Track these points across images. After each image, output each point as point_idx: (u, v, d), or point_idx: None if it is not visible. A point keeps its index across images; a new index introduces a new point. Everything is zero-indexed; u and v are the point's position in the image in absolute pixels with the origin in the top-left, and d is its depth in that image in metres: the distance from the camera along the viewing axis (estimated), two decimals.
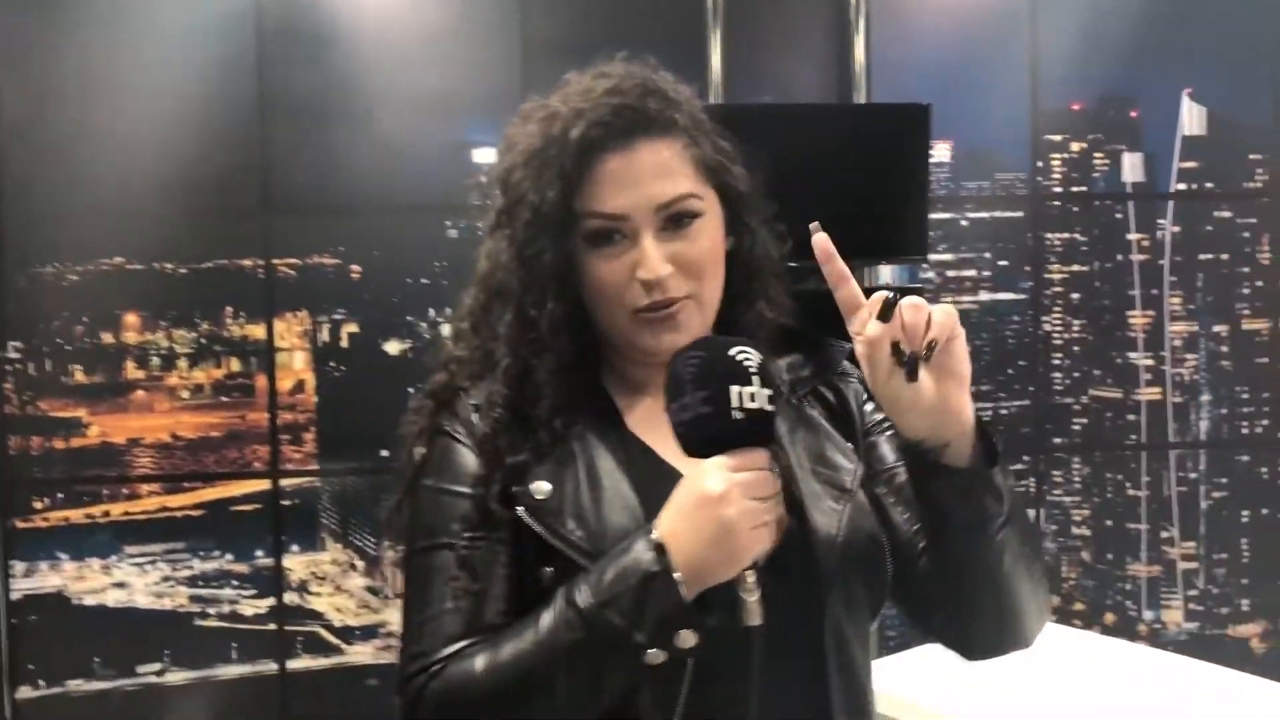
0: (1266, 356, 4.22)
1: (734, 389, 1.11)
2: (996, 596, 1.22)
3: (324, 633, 3.86)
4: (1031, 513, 4.12)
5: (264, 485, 3.82)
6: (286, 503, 3.83)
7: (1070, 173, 4.14)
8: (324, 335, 3.84)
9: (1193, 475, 4.21)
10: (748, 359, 1.13)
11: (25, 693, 3.72)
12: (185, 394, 3.81)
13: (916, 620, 1.34)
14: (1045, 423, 4.16)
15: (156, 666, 3.79)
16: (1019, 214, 4.13)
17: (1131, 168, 4.16)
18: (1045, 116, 4.10)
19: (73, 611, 3.76)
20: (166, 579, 3.80)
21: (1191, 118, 4.14)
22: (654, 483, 1.21)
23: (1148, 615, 4.21)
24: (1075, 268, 4.15)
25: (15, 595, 3.73)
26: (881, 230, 2.86)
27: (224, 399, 3.82)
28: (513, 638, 1.15)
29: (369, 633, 3.88)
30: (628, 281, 1.25)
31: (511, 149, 1.31)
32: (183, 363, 3.80)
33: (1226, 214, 4.19)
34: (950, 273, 4.11)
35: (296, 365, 3.84)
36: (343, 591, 3.88)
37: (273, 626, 3.83)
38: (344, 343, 3.84)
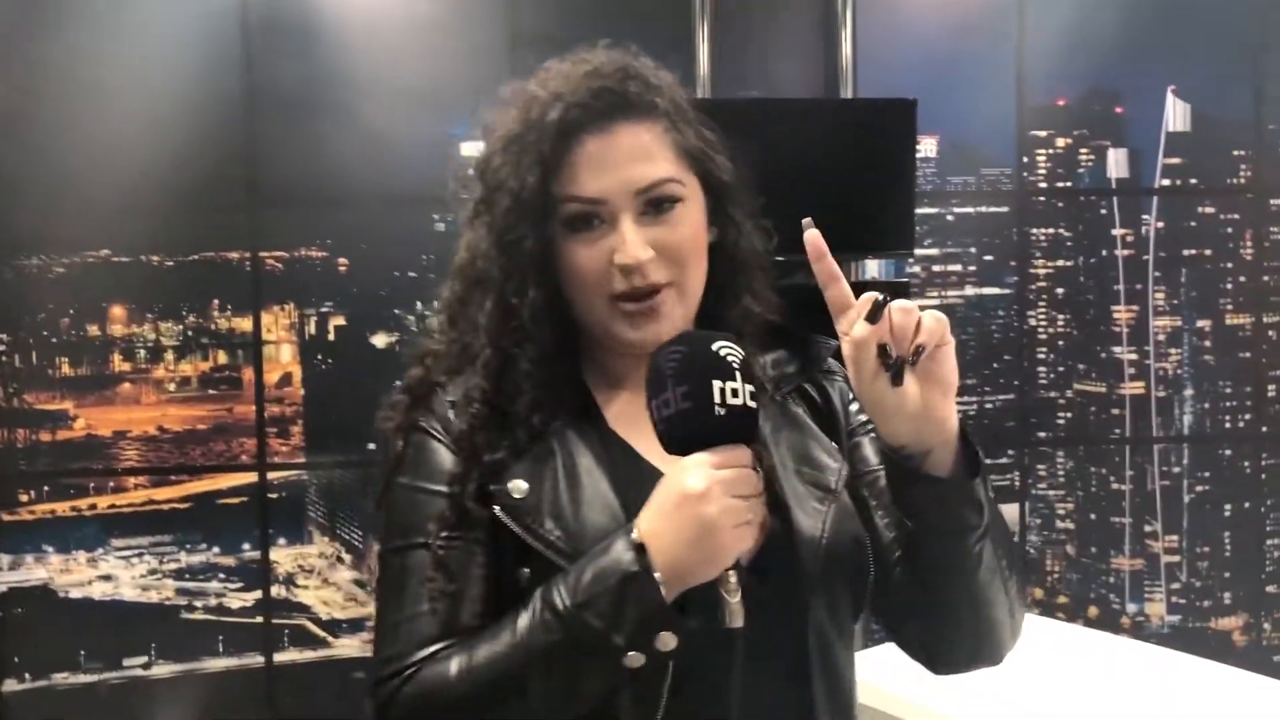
0: (1249, 351, 4.25)
1: (716, 384, 1.08)
2: (969, 610, 1.19)
3: (311, 626, 3.86)
4: (1015, 506, 4.15)
5: (251, 478, 3.82)
6: (273, 496, 3.83)
7: (1055, 168, 4.16)
8: (311, 328, 3.84)
9: (1176, 469, 4.24)
10: (731, 354, 1.10)
11: (11, 685, 3.72)
12: (172, 387, 3.81)
13: (888, 629, 1.32)
14: (1030, 417, 4.18)
15: (143, 659, 3.79)
16: (1004, 209, 4.15)
17: (1116, 163, 4.18)
18: (1031, 112, 4.11)
19: (59, 604, 3.76)
20: (153, 572, 3.80)
21: (1176, 114, 4.16)
22: (634, 481, 1.18)
23: (1131, 608, 4.24)
24: (1060, 263, 4.17)
25: (1, 588, 3.73)
26: (867, 225, 2.87)
27: (211, 392, 3.82)
28: (488, 640, 1.12)
29: (356, 626, 3.88)
30: (606, 268, 1.21)
31: (489, 136, 1.29)
32: (169, 355, 3.80)
33: (1210, 210, 4.22)
34: (936, 267, 4.13)
35: (283, 358, 3.84)
36: (330, 584, 3.88)
37: (259, 619, 3.83)
38: (331, 336, 3.85)
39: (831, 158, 2.80)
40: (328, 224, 3.80)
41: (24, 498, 3.75)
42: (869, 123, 2.99)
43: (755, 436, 1.13)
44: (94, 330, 3.76)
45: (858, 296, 1.10)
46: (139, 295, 3.77)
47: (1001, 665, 1.26)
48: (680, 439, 1.10)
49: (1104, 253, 4.17)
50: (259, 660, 3.83)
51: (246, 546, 3.83)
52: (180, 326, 3.80)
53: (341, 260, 3.82)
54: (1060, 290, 4.17)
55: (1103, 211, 4.18)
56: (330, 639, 3.87)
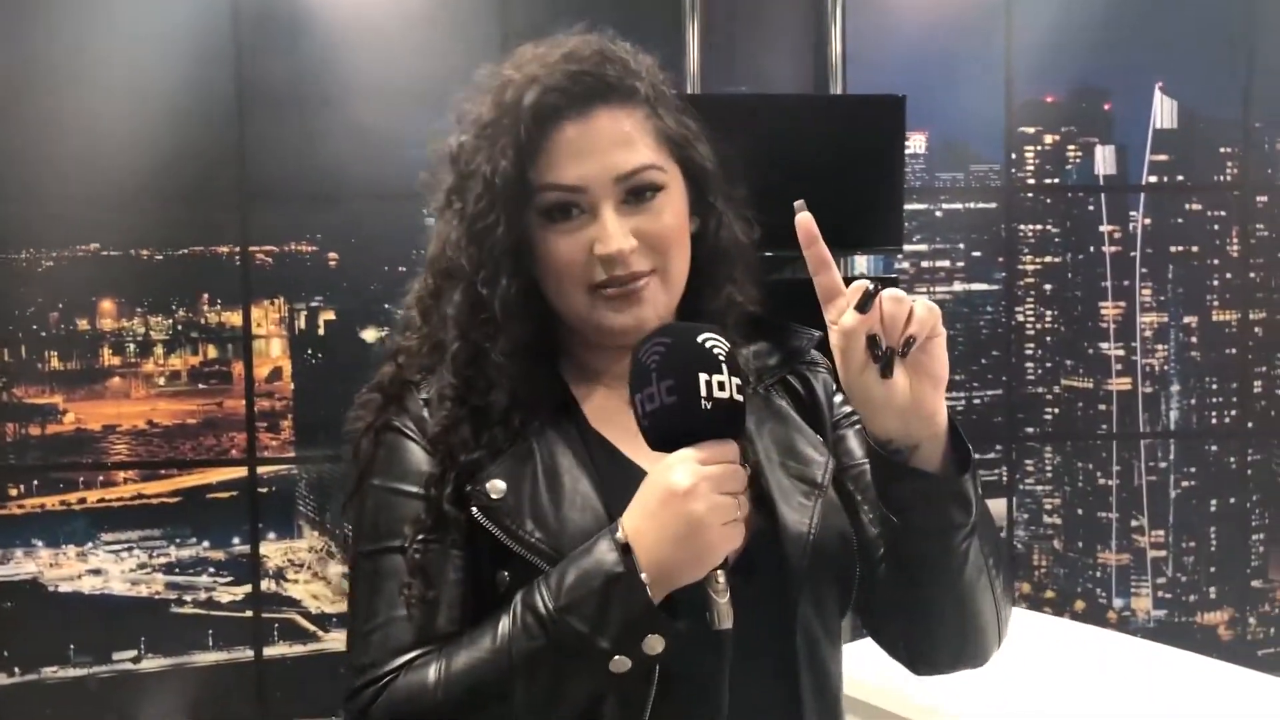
0: (1235, 348, 4.27)
1: (702, 377, 1.04)
2: (954, 609, 1.15)
3: (301, 620, 3.87)
4: (1003, 501, 4.17)
5: (241, 472, 3.82)
6: (263, 490, 3.83)
7: (1043, 165, 4.17)
8: (301, 322, 3.84)
9: (1162, 465, 4.26)
10: (717, 346, 1.06)
11: (0, 679, 3.72)
12: (162, 381, 3.81)
13: (869, 627, 1.27)
14: (1017, 412, 4.20)
15: (132, 653, 3.79)
16: (993, 205, 4.17)
17: (1104, 160, 4.19)
18: (1019, 109, 4.13)
19: (48, 598, 3.76)
20: (143, 566, 3.80)
21: (1163, 111, 4.18)
22: (616, 480, 1.14)
23: (1117, 603, 4.26)
24: (1048, 259, 4.19)
25: None
26: (857, 221, 2.87)
27: (201, 386, 3.82)
28: (468, 646, 1.08)
29: (346, 620, 3.88)
30: (586, 258, 1.16)
31: (462, 122, 1.23)
32: (159, 350, 3.80)
33: (1197, 206, 4.23)
34: (924, 263, 4.15)
35: (273, 352, 3.84)
36: (320, 578, 3.89)
37: (249, 613, 3.84)
38: (321, 330, 3.85)
39: (821, 154, 2.80)
40: (318, 219, 3.80)
41: (13, 492, 3.74)
42: (858, 119, 2.99)
43: (742, 430, 1.08)
44: (83, 324, 3.75)
45: (848, 287, 1.07)
46: (128, 289, 3.76)
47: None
48: (665, 434, 1.06)
49: (1091, 249, 4.19)
50: (249, 654, 3.83)
51: (236, 541, 3.83)
52: (170, 321, 3.80)
53: (331, 255, 3.82)
54: (1048, 286, 4.19)
55: (1090, 208, 4.20)
56: (320, 633, 3.87)
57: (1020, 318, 4.19)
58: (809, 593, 1.17)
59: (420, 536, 1.13)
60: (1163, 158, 4.20)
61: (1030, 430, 4.22)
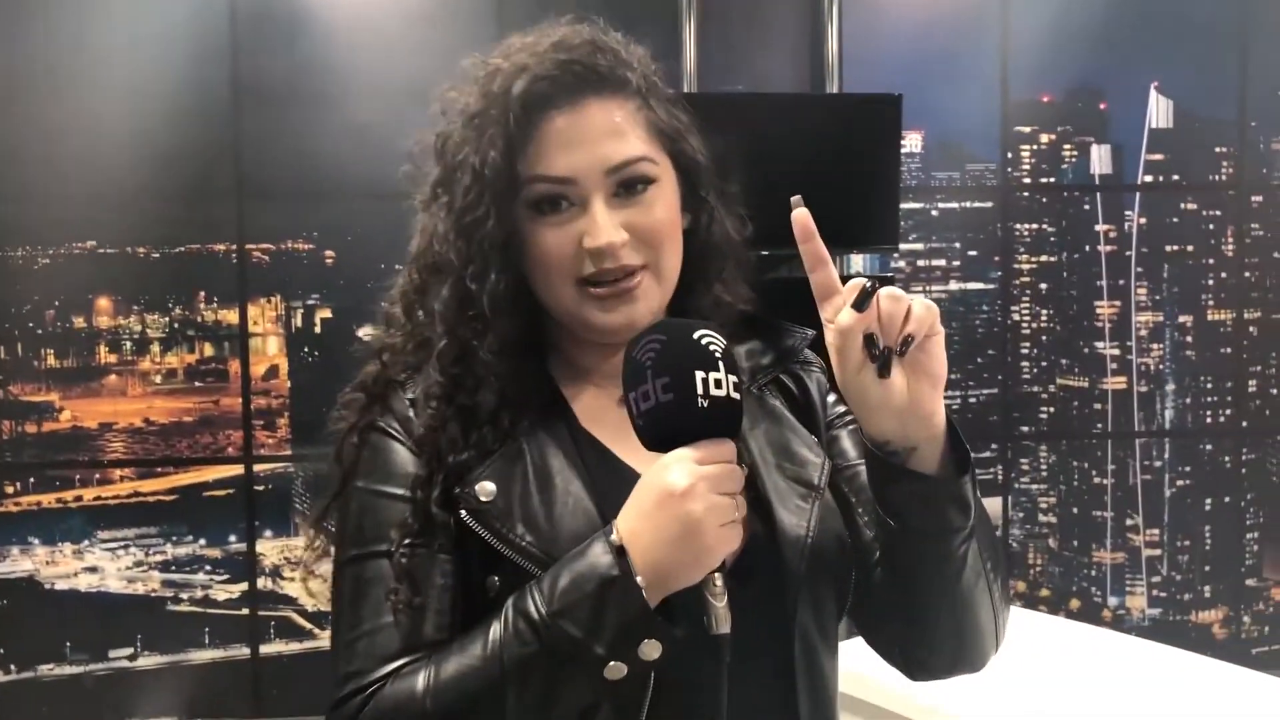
0: (1230, 347, 4.28)
1: (699, 375, 1.01)
2: (951, 614, 1.12)
3: (297, 618, 3.87)
4: (998, 500, 4.17)
5: (237, 470, 3.82)
6: (260, 488, 3.83)
7: (1039, 164, 4.18)
8: (297, 320, 3.84)
9: (1157, 464, 4.27)
10: (713, 342, 1.03)
11: None
12: (158, 379, 3.81)
13: (864, 632, 1.24)
14: (1013, 411, 4.21)
15: (128, 651, 3.79)
16: (989, 204, 4.17)
17: (1099, 159, 4.20)
18: (1015, 108, 4.14)
19: (44, 596, 3.76)
20: (139, 564, 3.80)
21: (1159, 111, 4.19)
22: (609, 482, 1.11)
23: (1112, 601, 4.27)
24: (1043, 258, 4.20)
25: None
26: (853, 219, 2.87)
27: (197, 384, 3.82)
28: (457, 653, 1.04)
29: (330, 627, 3.88)
30: (575, 251, 1.13)
31: (448, 113, 1.20)
32: (155, 347, 3.79)
33: (1192, 206, 4.24)
34: (920, 262, 4.15)
35: (270, 350, 3.84)
36: (316, 576, 3.88)
37: (245, 611, 3.84)
38: (317, 328, 3.85)
39: (817, 152, 2.81)
40: (314, 216, 3.80)
41: (10, 489, 3.74)
42: (855, 118, 2.99)
43: (739, 430, 1.05)
44: (80, 322, 3.75)
45: (845, 284, 1.05)
46: (125, 287, 3.76)
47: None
48: (661, 434, 1.02)
49: (1087, 248, 4.20)
50: (245, 652, 3.84)
51: (232, 539, 3.83)
52: (166, 318, 3.80)
53: (328, 253, 3.82)
54: (1043, 285, 4.20)
55: (1086, 207, 4.20)
56: (316, 631, 3.87)
57: (1016, 317, 4.20)
58: (806, 597, 1.14)
59: (407, 540, 1.10)
60: (1158, 157, 4.21)
61: (1025, 429, 4.23)
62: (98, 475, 3.79)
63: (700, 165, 1.21)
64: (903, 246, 3.88)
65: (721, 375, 1.01)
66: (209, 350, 3.82)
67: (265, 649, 3.84)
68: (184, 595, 3.82)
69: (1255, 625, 4.29)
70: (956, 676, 1.20)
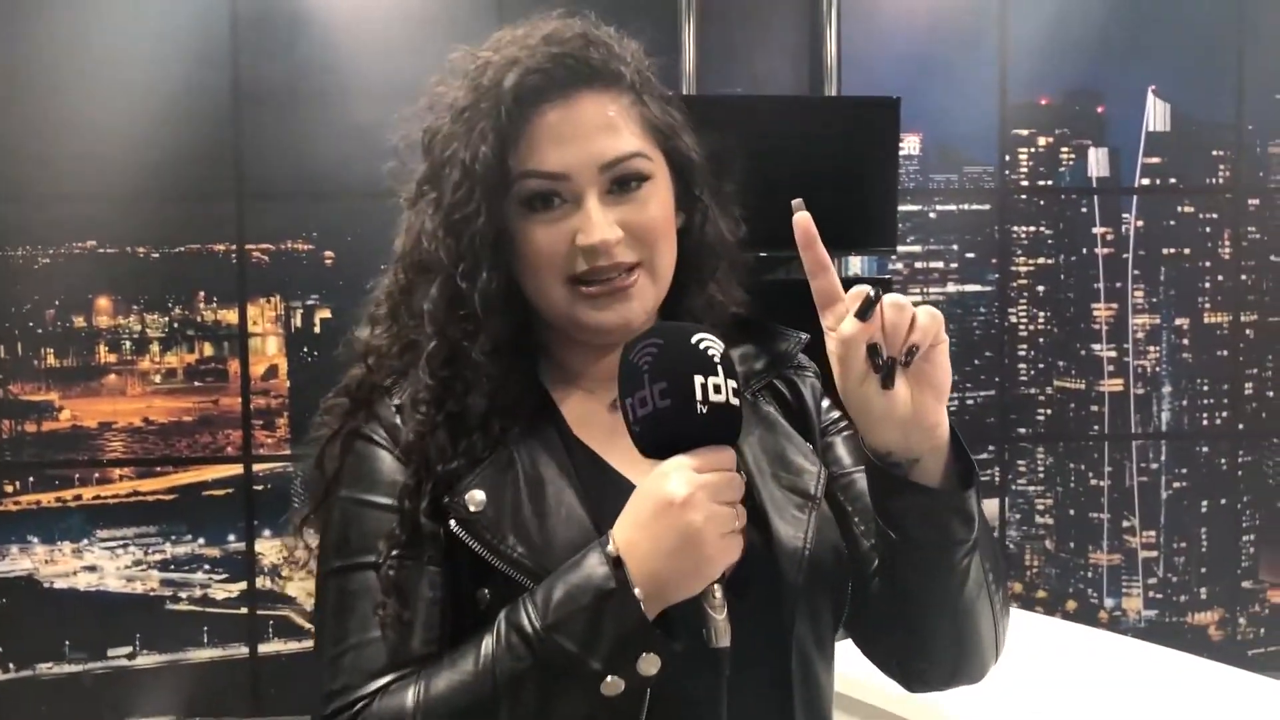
0: (1226, 350, 4.29)
1: (697, 379, 0.97)
2: (951, 626, 1.09)
3: (295, 617, 3.87)
4: (995, 502, 4.18)
5: (236, 470, 3.83)
6: (259, 487, 3.84)
7: (1037, 167, 4.19)
8: (297, 320, 3.84)
9: (1154, 466, 4.28)
10: (711, 347, 0.99)
11: None
12: (157, 378, 3.81)
13: (860, 643, 1.21)
14: (1010, 413, 4.22)
15: (127, 650, 3.79)
16: (986, 207, 4.18)
17: (1097, 162, 4.21)
18: (1013, 111, 4.15)
19: (43, 595, 3.76)
20: (138, 563, 3.81)
21: (1156, 114, 4.20)
22: (603, 492, 1.08)
23: (1108, 603, 4.27)
24: (1041, 260, 4.21)
25: None
26: (851, 222, 2.88)
27: (196, 383, 3.83)
28: (448, 668, 1.00)
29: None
30: (568, 249, 1.09)
31: (435, 108, 1.16)
32: (155, 347, 3.80)
33: (1189, 209, 4.25)
34: (918, 265, 4.16)
35: (269, 350, 3.85)
36: (315, 576, 3.88)
37: (244, 610, 3.84)
38: (317, 328, 3.85)
39: (815, 155, 2.82)
40: (314, 216, 3.80)
41: (9, 488, 3.75)
42: (853, 120, 3.00)
43: (738, 436, 1.01)
44: (79, 321, 3.76)
45: (847, 291, 1.01)
46: (125, 287, 3.77)
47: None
48: (658, 440, 0.99)
49: (1084, 251, 4.21)
50: (243, 651, 3.84)
51: (231, 538, 3.84)
52: (166, 318, 3.80)
53: (328, 253, 3.83)
54: (1041, 288, 4.21)
55: (1083, 210, 4.21)
56: None
57: (1013, 319, 4.21)
58: (804, 608, 1.12)
59: (394, 552, 1.05)
60: (1155, 160, 4.22)
61: (1022, 431, 4.24)
62: (97, 474, 3.79)
63: (694, 163, 1.18)
64: (900, 249, 3.89)
65: (720, 380, 0.98)
66: (208, 350, 3.83)
67: (264, 648, 3.85)
68: (183, 594, 3.83)
69: (1251, 627, 4.30)
70: (955, 688, 1.18)
